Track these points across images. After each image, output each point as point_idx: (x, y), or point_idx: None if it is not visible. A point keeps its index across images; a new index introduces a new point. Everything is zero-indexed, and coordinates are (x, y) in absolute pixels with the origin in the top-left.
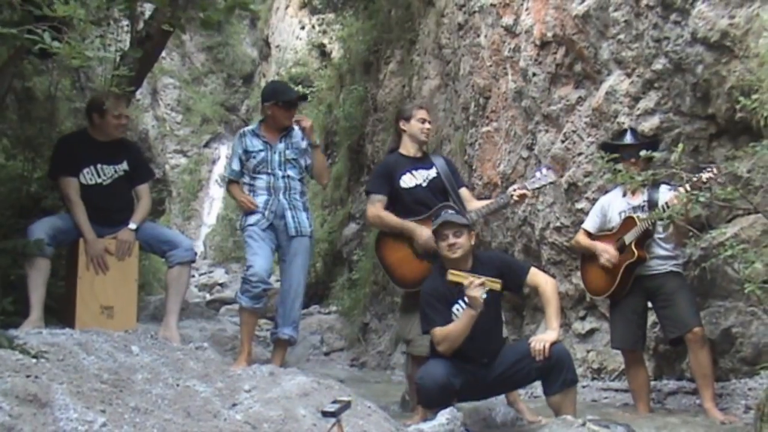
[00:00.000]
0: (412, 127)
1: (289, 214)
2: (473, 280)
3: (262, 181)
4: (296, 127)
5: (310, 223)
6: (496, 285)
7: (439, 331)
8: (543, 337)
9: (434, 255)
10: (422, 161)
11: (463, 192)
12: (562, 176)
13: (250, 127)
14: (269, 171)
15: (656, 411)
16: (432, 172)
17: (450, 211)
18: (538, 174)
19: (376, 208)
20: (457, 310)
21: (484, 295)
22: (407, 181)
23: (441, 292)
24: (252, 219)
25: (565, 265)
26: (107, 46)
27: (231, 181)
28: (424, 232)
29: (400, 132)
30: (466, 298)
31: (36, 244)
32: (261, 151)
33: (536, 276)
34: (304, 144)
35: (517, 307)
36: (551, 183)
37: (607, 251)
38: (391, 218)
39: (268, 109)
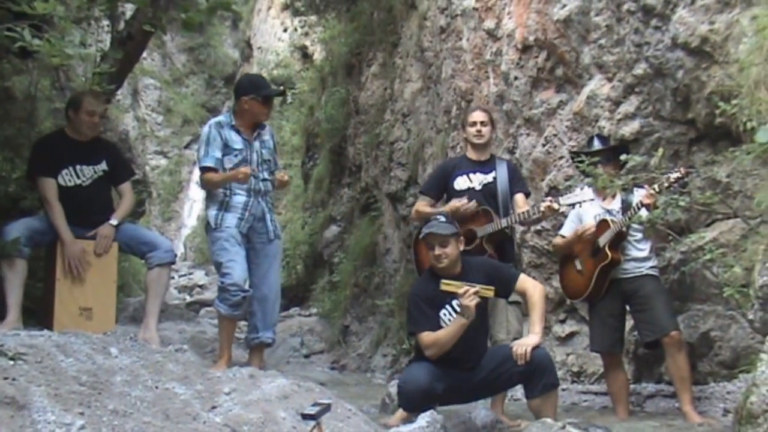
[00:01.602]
0: (467, 132)
1: (268, 217)
2: (468, 290)
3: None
4: (267, 125)
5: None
6: (489, 293)
7: (427, 336)
8: (525, 341)
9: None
10: (484, 165)
11: (518, 198)
12: (604, 198)
13: (223, 119)
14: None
15: (635, 414)
16: (489, 177)
17: (441, 219)
18: (577, 190)
19: (419, 205)
20: (444, 314)
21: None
22: (461, 183)
23: (430, 295)
24: (231, 220)
25: (545, 268)
26: (88, 46)
27: (209, 170)
28: (456, 202)
29: (464, 137)
30: (455, 304)
31: (13, 244)
32: (242, 149)
33: (525, 282)
34: (272, 143)
35: None
36: (585, 201)
37: (581, 230)
38: (426, 210)
39: (245, 103)
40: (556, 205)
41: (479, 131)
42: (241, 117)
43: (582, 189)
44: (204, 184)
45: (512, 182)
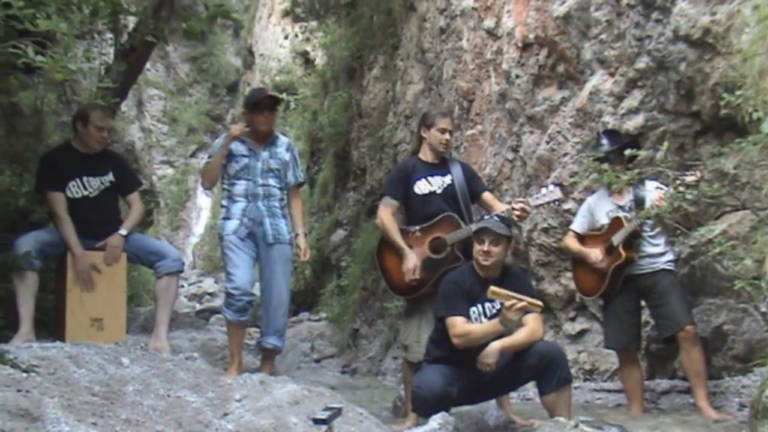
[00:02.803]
0: (432, 136)
1: (267, 221)
2: (515, 302)
3: (240, 187)
4: (280, 137)
5: (289, 230)
6: (537, 308)
7: (461, 323)
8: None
9: (433, 264)
10: (439, 168)
11: (486, 196)
12: (568, 195)
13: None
14: (249, 177)
15: (649, 411)
16: (447, 179)
17: (495, 218)
18: (543, 190)
19: (386, 212)
20: (473, 312)
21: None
22: (421, 187)
23: (465, 288)
24: (230, 227)
25: (553, 266)
26: (92, 59)
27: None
28: (411, 262)
29: (420, 137)
30: (487, 306)
31: (24, 257)
32: (244, 156)
33: (536, 321)
34: (287, 156)
35: None
36: (556, 200)
37: (593, 254)
38: (391, 230)
39: (247, 117)
40: (528, 207)
41: (448, 141)
42: (250, 130)
43: (548, 188)
44: (203, 176)
45: (471, 182)
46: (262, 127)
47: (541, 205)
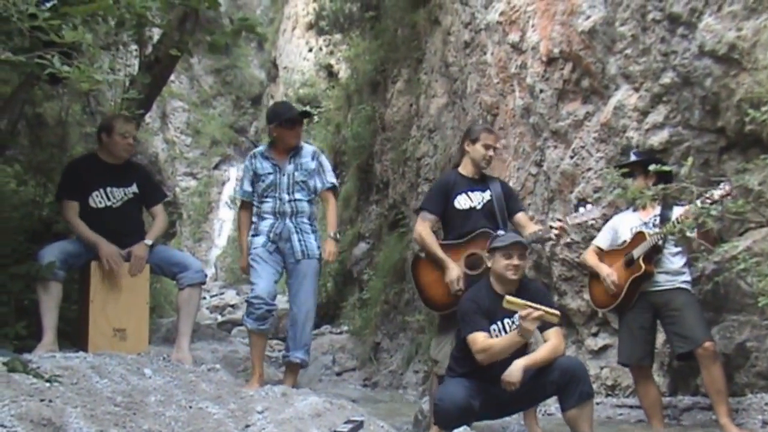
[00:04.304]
0: (476, 150)
1: (295, 237)
2: (530, 312)
3: (268, 205)
4: (304, 146)
5: (318, 245)
6: (554, 318)
7: (483, 339)
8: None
9: (468, 280)
10: (479, 183)
11: (520, 217)
12: (606, 215)
13: (260, 149)
14: (276, 195)
15: (671, 427)
16: (486, 195)
17: (512, 231)
18: (581, 209)
19: (424, 227)
20: (494, 329)
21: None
22: (462, 202)
23: (484, 306)
24: (258, 242)
25: (576, 280)
26: (116, 71)
27: (243, 204)
28: (453, 273)
29: (463, 151)
30: (506, 323)
31: (48, 268)
32: (270, 174)
33: (556, 335)
34: (313, 165)
35: None
36: (593, 219)
37: (611, 276)
38: (431, 243)
39: (273, 130)
40: (566, 226)
41: (491, 157)
42: (274, 144)
43: (586, 207)
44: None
45: (509, 201)
46: (292, 142)
47: (579, 224)
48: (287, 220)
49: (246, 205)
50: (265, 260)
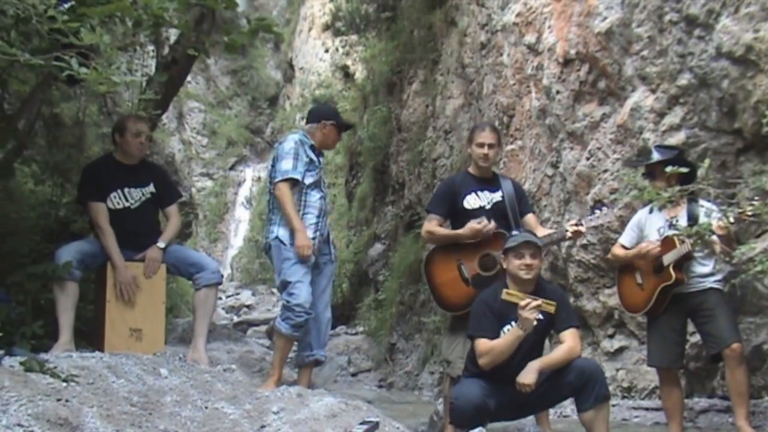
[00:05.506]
0: (473, 150)
1: (331, 238)
2: (529, 301)
3: (313, 198)
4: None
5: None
6: (551, 308)
7: (484, 343)
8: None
9: (482, 281)
10: (489, 183)
11: (529, 218)
12: (622, 217)
13: (303, 138)
14: (322, 190)
15: (687, 430)
16: (497, 196)
17: (525, 233)
18: (597, 212)
19: (431, 225)
20: (507, 330)
21: (540, 317)
22: (471, 202)
23: (496, 307)
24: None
25: (592, 282)
26: (133, 71)
27: (293, 181)
28: (473, 224)
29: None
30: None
31: (64, 267)
32: (318, 168)
33: (573, 336)
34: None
35: None
36: (609, 222)
37: (645, 249)
38: (439, 230)
39: (325, 126)
40: (582, 229)
41: (486, 155)
42: (315, 139)
43: (603, 210)
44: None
45: (520, 201)
46: (332, 146)
47: (594, 226)
48: (326, 219)
49: (294, 184)
50: (308, 264)
